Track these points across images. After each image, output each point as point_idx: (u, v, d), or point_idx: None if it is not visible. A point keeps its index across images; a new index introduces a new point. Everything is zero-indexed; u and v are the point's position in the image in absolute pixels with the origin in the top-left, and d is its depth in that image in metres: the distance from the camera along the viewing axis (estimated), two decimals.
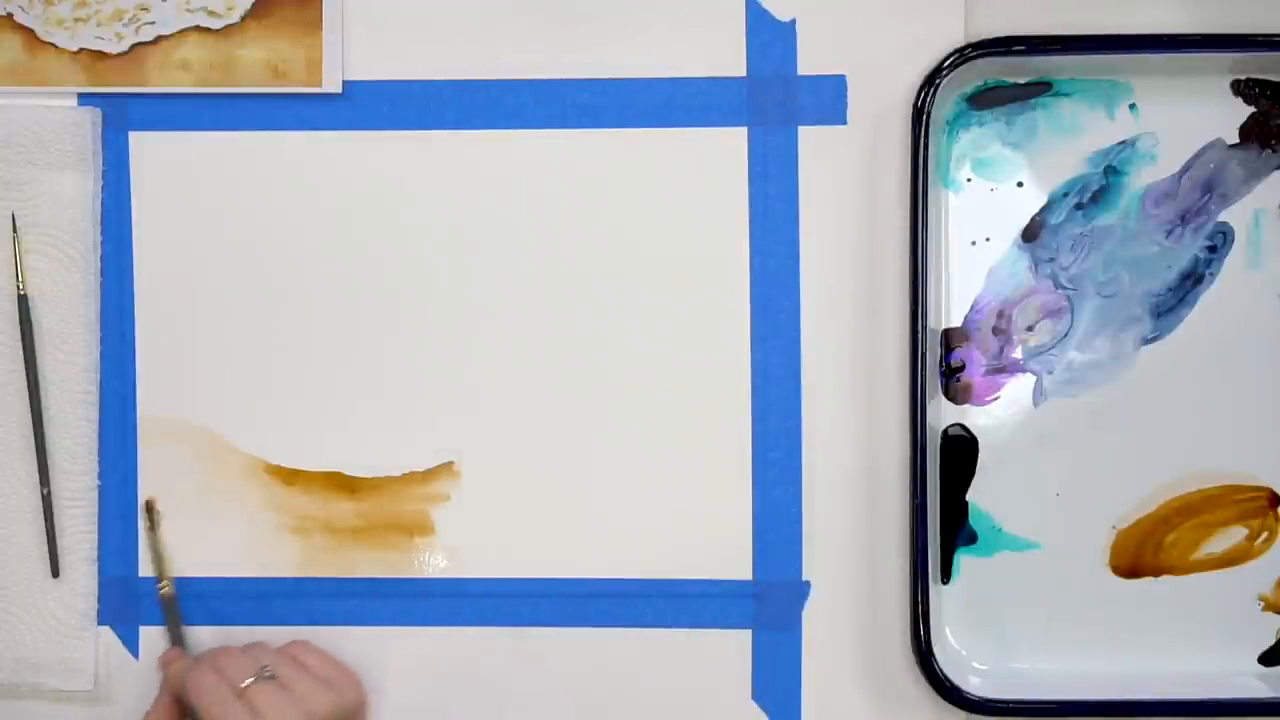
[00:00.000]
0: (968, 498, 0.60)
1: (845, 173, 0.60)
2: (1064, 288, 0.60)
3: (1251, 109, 0.59)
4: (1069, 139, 0.60)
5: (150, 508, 0.61)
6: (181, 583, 0.62)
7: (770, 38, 0.60)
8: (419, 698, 0.62)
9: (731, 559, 0.61)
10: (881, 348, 0.60)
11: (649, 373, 0.61)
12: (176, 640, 0.61)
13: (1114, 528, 0.60)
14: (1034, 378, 0.60)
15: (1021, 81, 0.60)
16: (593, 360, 0.61)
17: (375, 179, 0.61)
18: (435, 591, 0.62)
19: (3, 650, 0.62)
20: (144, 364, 0.62)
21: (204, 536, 0.62)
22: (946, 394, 0.60)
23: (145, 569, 0.62)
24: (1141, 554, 0.60)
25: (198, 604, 0.62)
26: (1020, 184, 0.60)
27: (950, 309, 0.60)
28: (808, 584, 0.61)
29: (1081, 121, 0.59)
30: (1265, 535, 0.60)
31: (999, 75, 0.59)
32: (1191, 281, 0.60)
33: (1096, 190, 0.60)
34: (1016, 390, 0.60)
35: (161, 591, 0.61)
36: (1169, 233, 0.60)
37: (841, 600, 0.61)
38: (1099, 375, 0.60)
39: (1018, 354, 0.60)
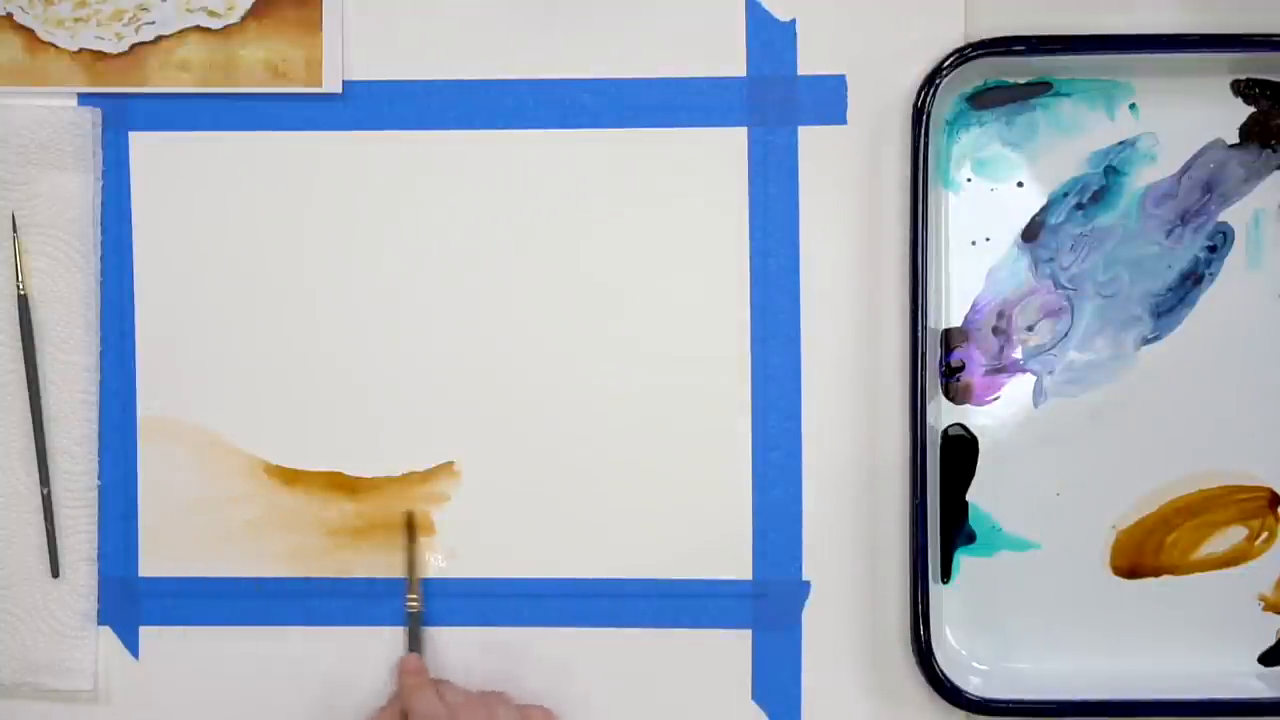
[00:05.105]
0: (968, 498, 0.60)
1: (845, 173, 0.60)
2: (1064, 288, 0.60)
3: (1251, 109, 0.59)
4: (1069, 139, 0.60)
5: (411, 521, 0.61)
6: (182, 583, 0.62)
7: (770, 37, 0.60)
8: None
9: (731, 559, 0.61)
10: (881, 348, 0.60)
11: (649, 373, 0.61)
12: (417, 648, 0.61)
13: (1114, 528, 0.60)
14: (1034, 378, 0.60)
15: (1021, 81, 0.59)
16: (593, 360, 0.61)
17: (375, 179, 0.61)
18: (435, 591, 0.61)
19: (3, 650, 0.62)
20: (144, 364, 0.62)
21: (204, 536, 0.62)
22: (946, 394, 0.60)
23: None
24: (1142, 554, 0.60)
25: (198, 604, 0.62)
26: (1020, 184, 0.60)
27: (950, 309, 0.60)
28: (808, 584, 0.61)
29: (1081, 121, 0.59)
30: (1265, 535, 0.60)
31: (999, 75, 0.59)
32: (1191, 281, 0.60)
33: (1096, 190, 0.60)
34: (1016, 390, 0.60)
35: (411, 608, 0.60)
36: (1169, 233, 0.60)
37: (841, 600, 0.61)
38: (1099, 375, 0.60)
39: (1018, 354, 0.60)
